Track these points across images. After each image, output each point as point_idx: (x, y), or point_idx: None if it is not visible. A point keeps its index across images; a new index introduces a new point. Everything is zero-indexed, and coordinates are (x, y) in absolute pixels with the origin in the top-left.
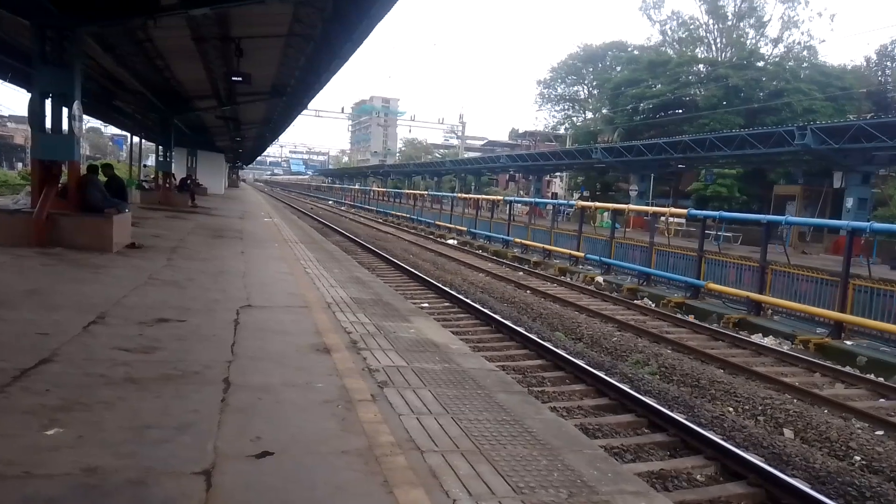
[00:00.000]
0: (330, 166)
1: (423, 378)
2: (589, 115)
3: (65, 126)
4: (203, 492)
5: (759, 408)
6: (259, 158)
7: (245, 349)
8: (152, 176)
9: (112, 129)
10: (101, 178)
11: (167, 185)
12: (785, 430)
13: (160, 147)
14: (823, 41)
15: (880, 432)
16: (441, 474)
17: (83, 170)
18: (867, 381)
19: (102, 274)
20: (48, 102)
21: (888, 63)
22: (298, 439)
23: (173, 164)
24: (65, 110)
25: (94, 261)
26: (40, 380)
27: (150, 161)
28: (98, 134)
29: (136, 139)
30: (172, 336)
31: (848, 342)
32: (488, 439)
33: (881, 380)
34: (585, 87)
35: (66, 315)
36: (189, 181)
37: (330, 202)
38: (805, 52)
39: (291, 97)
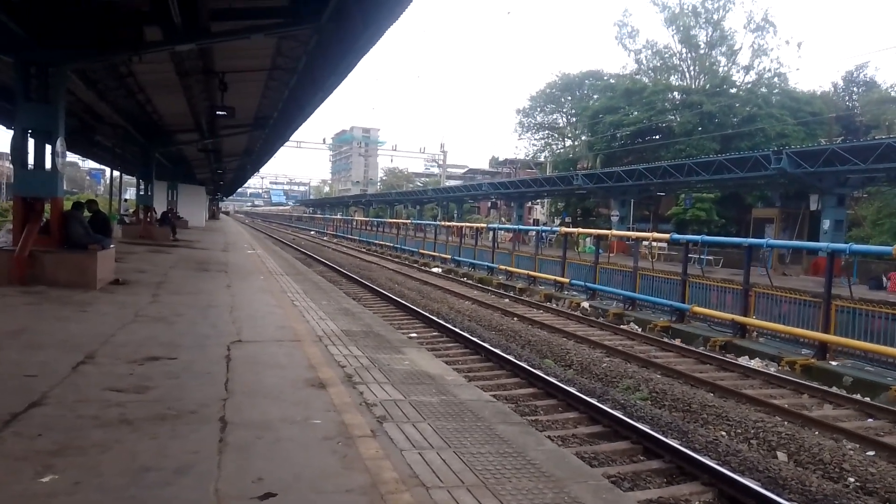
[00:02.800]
0: (311, 196)
1: (421, 411)
2: (568, 142)
3: (48, 163)
4: None
5: (752, 431)
6: (239, 190)
7: (239, 385)
8: (132, 210)
9: (90, 163)
10: (85, 213)
11: (148, 219)
12: (778, 453)
13: (141, 180)
14: (798, 69)
15: (871, 452)
16: None
17: (66, 206)
18: (854, 401)
19: (88, 312)
20: (31, 139)
21: (854, 88)
22: (301, 478)
23: (153, 198)
24: (48, 147)
25: (79, 298)
26: (31, 424)
27: (129, 194)
28: (75, 168)
29: (115, 173)
30: (164, 374)
31: (833, 363)
32: (492, 472)
33: (868, 399)
34: (564, 115)
35: (53, 355)
36: (170, 214)
37: (312, 232)
38: (776, 79)
39: (274, 129)
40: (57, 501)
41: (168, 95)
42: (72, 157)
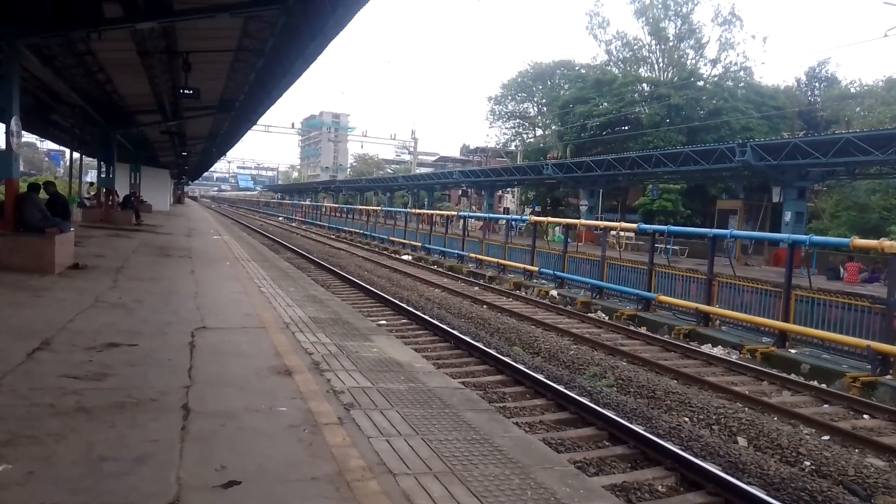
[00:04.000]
0: (279, 182)
1: (389, 399)
2: (539, 131)
3: (2, 142)
4: None
5: (714, 417)
6: (205, 174)
7: (203, 373)
8: (93, 192)
9: (49, 145)
10: (43, 195)
11: (110, 203)
12: (739, 438)
13: (102, 163)
14: (763, 63)
15: (826, 437)
16: (415, 498)
17: (22, 187)
18: (811, 387)
19: (44, 297)
20: None
21: (816, 84)
22: (265, 467)
23: (115, 181)
24: (1, 126)
25: (35, 283)
26: None
27: (90, 177)
28: (33, 149)
29: (75, 154)
30: (124, 361)
31: (792, 350)
32: (460, 459)
33: (824, 386)
34: (535, 104)
35: (6, 342)
36: (133, 198)
37: (280, 218)
38: (742, 73)
39: (240, 112)
40: (9, 493)
41: (129, 75)
42: (29, 137)
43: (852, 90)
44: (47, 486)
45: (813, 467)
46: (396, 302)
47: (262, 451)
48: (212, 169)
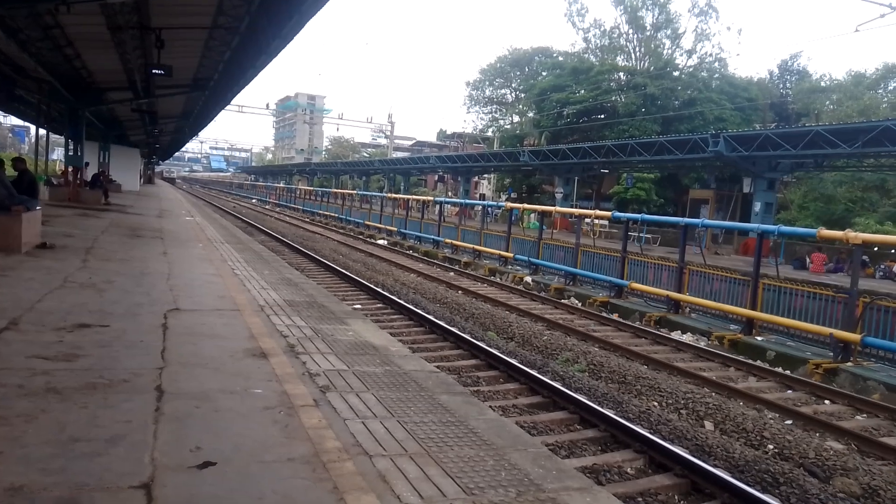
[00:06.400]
0: (253, 163)
1: (364, 381)
2: (516, 118)
3: None
4: None
5: (682, 402)
6: (177, 154)
7: (176, 355)
8: (60, 171)
9: (13, 120)
10: (11, 172)
11: (78, 182)
12: (706, 422)
13: (69, 140)
14: (739, 55)
15: (789, 421)
16: (391, 478)
17: None
18: (776, 374)
19: (11, 276)
20: None
21: (788, 77)
22: (241, 448)
23: (84, 159)
24: None
25: (0, 262)
26: None
27: (56, 154)
28: None
29: (41, 131)
30: (95, 342)
31: (759, 338)
32: (435, 441)
33: (788, 372)
34: (512, 90)
35: None
36: (101, 177)
37: (253, 200)
38: (716, 64)
39: (214, 91)
40: None
41: (99, 51)
42: None
43: (822, 84)
44: (17, 467)
45: (776, 450)
46: (372, 286)
47: (238, 433)
48: (184, 149)
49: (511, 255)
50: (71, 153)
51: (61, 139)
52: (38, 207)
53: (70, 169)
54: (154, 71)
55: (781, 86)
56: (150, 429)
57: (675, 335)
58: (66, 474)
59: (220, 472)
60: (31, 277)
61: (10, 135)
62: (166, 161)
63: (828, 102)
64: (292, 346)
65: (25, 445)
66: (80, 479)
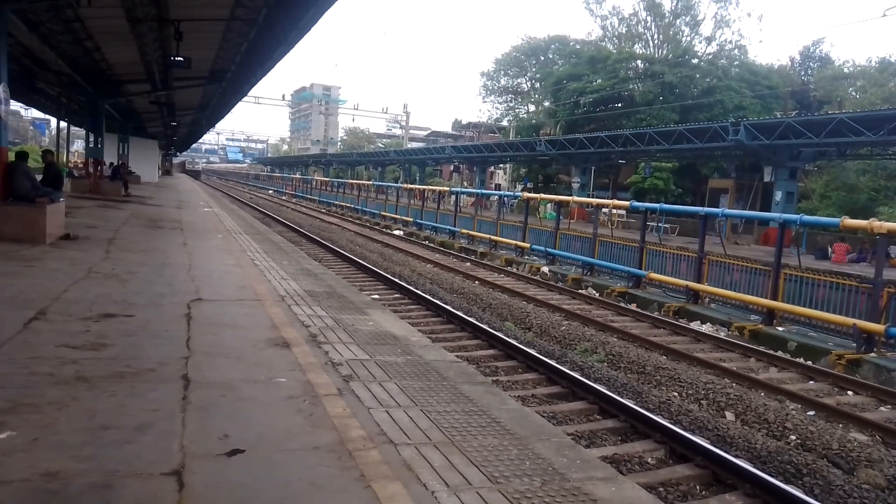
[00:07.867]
0: (269, 154)
1: (387, 371)
2: (531, 107)
3: None
4: (175, 493)
5: (702, 392)
6: (194, 146)
7: (201, 344)
8: (81, 163)
9: (34, 113)
10: (38, 164)
11: (99, 173)
12: (727, 412)
13: (90, 133)
14: (761, 41)
15: (811, 413)
16: (416, 467)
17: (11, 156)
18: (797, 364)
19: (37, 267)
20: None
21: (810, 64)
22: (267, 436)
23: (104, 151)
24: None
25: (27, 253)
26: None
27: (76, 146)
28: (18, 118)
29: (61, 124)
30: (121, 332)
31: (779, 328)
32: (458, 430)
33: (810, 363)
34: (528, 79)
35: (1, 312)
36: (121, 169)
37: (270, 191)
38: (736, 51)
39: (231, 83)
40: (14, 459)
41: (118, 43)
42: (14, 105)
43: (846, 70)
44: (51, 453)
45: (798, 441)
46: (389, 277)
47: (263, 421)
48: (200, 140)
49: (527, 245)
50: (91, 145)
51: (81, 131)
52: (61, 199)
53: (91, 160)
54: (175, 59)
55: (803, 73)
56: (177, 417)
57: (695, 325)
58: (98, 461)
59: (248, 460)
60: (56, 268)
61: (31, 127)
62: (184, 152)
63: (851, 90)
64: (314, 336)
65: (58, 433)
66: (112, 465)
